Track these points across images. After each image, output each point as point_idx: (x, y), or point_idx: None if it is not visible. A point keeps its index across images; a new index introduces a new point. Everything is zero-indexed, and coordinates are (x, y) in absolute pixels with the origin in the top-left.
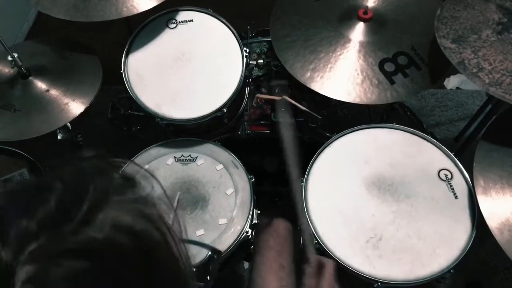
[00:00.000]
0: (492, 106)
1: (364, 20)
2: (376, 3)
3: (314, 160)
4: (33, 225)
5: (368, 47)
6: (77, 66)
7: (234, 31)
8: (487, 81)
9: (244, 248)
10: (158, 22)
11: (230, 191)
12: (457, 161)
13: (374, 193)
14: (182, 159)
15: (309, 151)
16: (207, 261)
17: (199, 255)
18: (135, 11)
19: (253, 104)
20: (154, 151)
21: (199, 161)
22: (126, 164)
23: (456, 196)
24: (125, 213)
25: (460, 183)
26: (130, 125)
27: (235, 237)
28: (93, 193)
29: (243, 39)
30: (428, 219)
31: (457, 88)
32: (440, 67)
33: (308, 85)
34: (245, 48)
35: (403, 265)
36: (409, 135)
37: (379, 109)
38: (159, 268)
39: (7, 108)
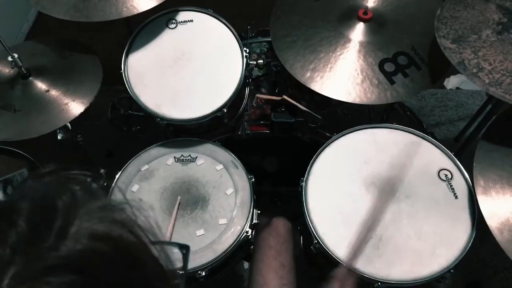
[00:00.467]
0: (492, 106)
1: (364, 20)
2: (376, 3)
3: (314, 160)
4: (7, 251)
5: (368, 47)
6: (77, 66)
7: (234, 31)
8: (487, 81)
9: (244, 248)
10: (158, 22)
11: (230, 191)
12: (457, 161)
13: (374, 193)
14: (182, 159)
15: (309, 151)
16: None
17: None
18: (135, 11)
19: (253, 104)
20: (154, 151)
21: (199, 161)
22: (84, 175)
23: (456, 196)
24: (97, 222)
25: (460, 183)
26: (130, 125)
27: (235, 237)
28: (61, 207)
29: (243, 39)
30: (428, 219)
31: (457, 88)
32: (440, 67)
33: (308, 85)
34: (245, 48)
35: (403, 265)
36: (409, 135)
37: (379, 109)
38: (142, 268)
39: (7, 109)
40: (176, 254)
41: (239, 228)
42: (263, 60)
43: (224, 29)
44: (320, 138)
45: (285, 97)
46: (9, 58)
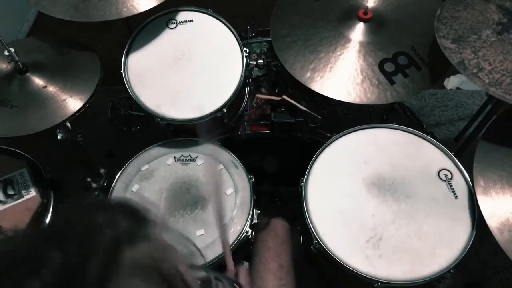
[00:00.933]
0: (492, 106)
1: (364, 20)
2: (376, 3)
3: (314, 160)
4: None
5: (368, 47)
6: (74, 62)
7: (234, 32)
8: (487, 81)
9: (244, 248)
10: (158, 22)
11: (230, 191)
12: (457, 161)
13: (374, 193)
14: (182, 159)
15: (309, 151)
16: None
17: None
18: (135, 11)
19: (253, 104)
20: (154, 151)
21: (199, 161)
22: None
23: (456, 196)
24: (140, 282)
25: (460, 183)
26: (130, 125)
27: (235, 237)
28: (98, 261)
29: (243, 39)
30: (428, 219)
31: (457, 88)
32: (440, 67)
33: (308, 85)
34: (245, 49)
35: (403, 265)
36: (409, 135)
37: (379, 109)
38: None
39: (4, 104)
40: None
41: (239, 228)
42: (263, 60)
43: (224, 29)
44: (320, 138)
45: (285, 97)
46: (6, 53)
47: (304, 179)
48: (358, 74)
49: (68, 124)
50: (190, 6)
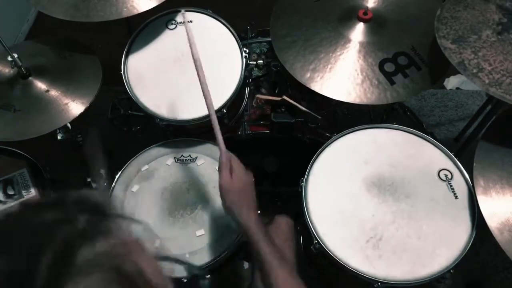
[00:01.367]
0: (492, 106)
1: (364, 21)
2: (376, 3)
3: (314, 160)
4: None
5: (368, 47)
6: (77, 66)
7: (234, 32)
8: (487, 81)
9: (244, 248)
10: (158, 23)
11: None
12: (457, 161)
13: (374, 193)
14: (182, 159)
15: (309, 151)
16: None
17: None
18: (135, 12)
19: (253, 104)
20: (154, 151)
21: (199, 161)
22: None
23: (456, 196)
24: (96, 281)
25: (460, 183)
26: (130, 126)
27: (235, 237)
28: (48, 263)
29: (243, 39)
30: (428, 219)
31: (457, 88)
32: (440, 67)
33: (308, 86)
34: (244, 49)
35: (403, 265)
36: (409, 135)
37: (379, 109)
38: None
39: (7, 108)
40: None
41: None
42: (263, 60)
43: (224, 30)
44: (320, 138)
45: (285, 97)
46: (9, 58)
47: (304, 179)
48: (358, 74)
49: (68, 124)
50: (190, 7)
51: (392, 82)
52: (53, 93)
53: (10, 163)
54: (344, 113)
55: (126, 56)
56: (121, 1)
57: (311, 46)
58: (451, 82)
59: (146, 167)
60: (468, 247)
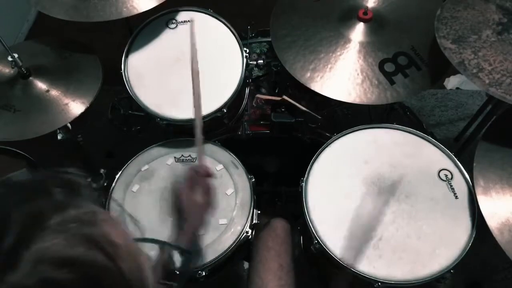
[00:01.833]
0: (492, 106)
1: (364, 21)
2: (376, 3)
3: (314, 160)
4: None
5: (368, 47)
6: (77, 66)
7: (234, 32)
8: (487, 81)
9: (244, 248)
10: (158, 23)
11: (230, 191)
12: (457, 161)
13: (374, 193)
14: (182, 159)
15: (309, 151)
16: (170, 259)
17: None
18: (135, 11)
19: (253, 104)
20: (154, 151)
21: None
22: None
23: (456, 196)
24: (64, 241)
25: (460, 183)
26: (130, 125)
27: (235, 237)
28: (19, 222)
29: (243, 39)
30: (428, 219)
31: (457, 88)
32: (440, 67)
33: (308, 85)
34: (245, 49)
35: (403, 265)
36: (409, 135)
37: (379, 109)
38: None
39: (7, 109)
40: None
41: (239, 228)
42: (263, 60)
43: (224, 29)
44: (320, 138)
45: (285, 97)
46: (9, 58)
47: (304, 179)
48: (358, 74)
49: (68, 124)
50: (190, 6)
51: (392, 82)
52: (53, 93)
53: (10, 163)
54: (344, 113)
55: (127, 56)
56: (121, 1)
57: (311, 46)
58: (451, 82)
59: (146, 167)
60: (468, 247)
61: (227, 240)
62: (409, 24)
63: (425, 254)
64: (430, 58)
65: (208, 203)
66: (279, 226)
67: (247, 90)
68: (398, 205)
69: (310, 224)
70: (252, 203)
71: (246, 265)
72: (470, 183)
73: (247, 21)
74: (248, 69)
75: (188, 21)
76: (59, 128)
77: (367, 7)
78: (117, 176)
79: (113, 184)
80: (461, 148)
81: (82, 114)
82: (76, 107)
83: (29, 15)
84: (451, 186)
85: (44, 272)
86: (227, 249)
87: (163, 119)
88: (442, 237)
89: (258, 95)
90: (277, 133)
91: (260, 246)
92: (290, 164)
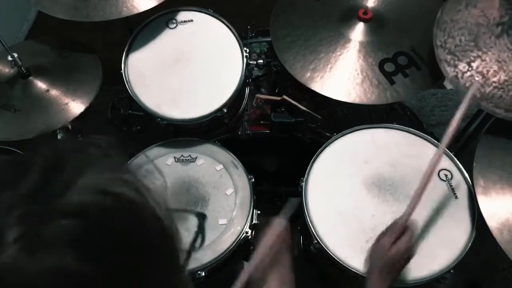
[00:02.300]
0: None
1: (364, 20)
2: (376, 3)
3: (314, 160)
4: (17, 194)
5: (368, 47)
6: (77, 65)
7: (234, 31)
8: (478, 95)
9: (244, 248)
10: (158, 22)
11: (230, 191)
12: (457, 161)
13: (374, 193)
14: (182, 159)
15: (309, 151)
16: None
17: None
18: (135, 11)
19: (253, 104)
20: (154, 151)
21: (199, 161)
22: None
23: (456, 196)
24: (105, 179)
25: (460, 183)
26: (130, 125)
27: (235, 237)
28: (72, 162)
29: (243, 39)
30: (428, 219)
31: None
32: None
33: (308, 85)
34: (245, 48)
35: None
36: (409, 135)
37: (379, 109)
38: (144, 227)
39: (7, 108)
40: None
41: (239, 228)
42: (263, 60)
43: (224, 29)
44: (320, 138)
45: (285, 97)
46: (9, 58)
47: (304, 179)
48: (358, 74)
49: (69, 124)
50: (190, 6)
51: (392, 82)
52: (53, 92)
53: None
54: (344, 113)
55: (127, 55)
56: (121, 1)
57: (311, 46)
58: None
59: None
60: (468, 247)
61: (227, 240)
62: (409, 24)
63: (425, 254)
64: (430, 58)
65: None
66: (280, 225)
67: (247, 90)
68: (398, 205)
69: (310, 224)
70: (252, 203)
71: (246, 265)
72: (470, 183)
73: (247, 21)
74: (248, 69)
75: (190, 20)
76: (59, 128)
77: (367, 7)
78: None
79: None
80: (461, 148)
81: (82, 114)
82: (76, 107)
83: (29, 15)
84: (451, 186)
85: (92, 195)
86: (226, 249)
87: (163, 119)
88: (442, 237)
89: (258, 95)
90: (277, 133)
91: (261, 245)
92: (290, 164)
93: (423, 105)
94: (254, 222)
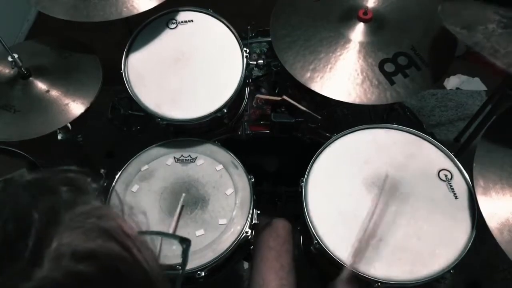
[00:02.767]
0: (492, 106)
1: (364, 21)
2: (376, 3)
3: (314, 160)
4: None
5: (368, 47)
6: (77, 66)
7: (234, 32)
8: (505, 60)
9: (244, 248)
10: (158, 22)
11: (230, 191)
12: (457, 161)
13: (374, 193)
14: (182, 159)
15: (309, 151)
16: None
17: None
18: (135, 11)
19: (253, 104)
20: (154, 151)
21: (199, 161)
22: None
23: (456, 196)
24: (81, 235)
25: (460, 183)
26: (130, 125)
27: (234, 237)
28: (38, 220)
29: (243, 39)
30: (428, 219)
31: (457, 88)
32: (440, 67)
33: (308, 86)
34: (245, 49)
35: (403, 265)
36: (409, 135)
37: (379, 109)
38: (127, 280)
39: (7, 109)
40: (175, 250)
41: (239, 228)
42: (263, 60)
43: (224, 29)
44: (320, 138)
45: (285, 97)
46: (9, 58)
47: (304, 179)
48: (358, 75)
49: (68, 124)
50: (190, 6)
51: (392, 82)
52: (54, 93)
53: (10, 163)
54: (344, 113)
55: (127, 55)
56: (121, 1)
57: (311, 46)
58: (451, 82)
59: (146, 167)
60: (468, 247)
61: (227, 240)
62: (409, 24)
63: (425, 254)
64: (430, 58)
65: None
66: (281, 226)
67: (247, 90)
68: (398, 205)
69: (310, 224)
70: (252, 203)
71: (246, 265)
72: (470, 183)
73: (247, 21)
74: (248, 69)
75: (190, 20)
76: (59, 128)
77: (367, 7)
78: (116, 176)
79: (113, 184)
80: (461, 148)
81: (82, 114)
82: (76, 107)
83: (29, 15)
84: (451, 186)
85: (68, 266)
86: (226, 249)
87: (163, 119)
88: (442, 237)
89: (258, 95)
90: (277, 133)
91: (262, 246)
92: (290, 164)
93: (423, 105)
94: (254, 222)
